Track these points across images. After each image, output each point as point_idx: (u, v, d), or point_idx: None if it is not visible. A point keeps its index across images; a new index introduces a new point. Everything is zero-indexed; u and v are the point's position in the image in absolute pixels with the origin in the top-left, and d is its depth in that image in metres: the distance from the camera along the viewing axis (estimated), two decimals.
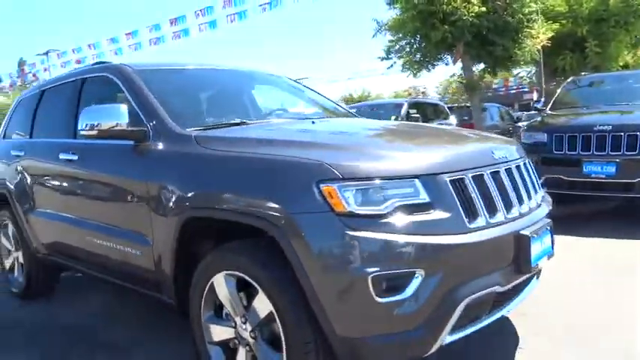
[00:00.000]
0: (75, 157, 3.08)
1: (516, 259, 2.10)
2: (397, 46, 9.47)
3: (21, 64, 27.43)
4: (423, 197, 1.89)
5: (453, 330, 1.92)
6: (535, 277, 2.45)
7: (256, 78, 3.83)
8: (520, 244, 2.10)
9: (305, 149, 2.09)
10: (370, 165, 1.93)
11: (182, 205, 2.29)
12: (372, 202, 1.84)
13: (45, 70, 20.44)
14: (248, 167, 2.11)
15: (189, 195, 2.27)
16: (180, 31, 15.57)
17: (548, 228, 2.34)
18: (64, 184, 3.26)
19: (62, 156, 3.18)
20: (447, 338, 1.91)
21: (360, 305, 1.80)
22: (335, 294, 1.82)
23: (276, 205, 1.91)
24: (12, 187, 3.89)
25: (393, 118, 9.18)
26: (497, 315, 2.15)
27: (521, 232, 2.11)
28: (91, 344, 3.08)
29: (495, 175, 2.17)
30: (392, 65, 9.53)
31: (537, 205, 2.40)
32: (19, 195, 3.79)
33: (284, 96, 3.80)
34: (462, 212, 1.94)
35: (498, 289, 2.02)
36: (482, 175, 2.09)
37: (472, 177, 2.04)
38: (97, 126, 2.58)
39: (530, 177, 2.47)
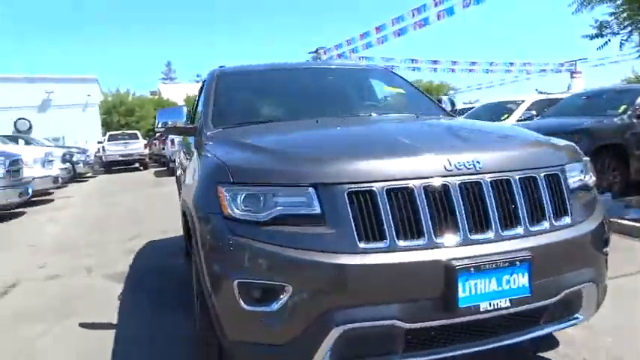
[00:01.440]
0: None
1: (444, 295, 1.73)
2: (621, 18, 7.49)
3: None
4: (314, 208, 1.76)
5: (340, 358, 1.75)
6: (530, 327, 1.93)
7: (355, 75, 3.86)
8: (448, 276, 1.72)
9: (249, 151, 2.16)
10: (264, 170, 1.89)
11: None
12: (254, 208, 1.81)
13: None
14: (196, 165, 2.30)
15: (181, 188, 2.61)
16: (420, 20, 15.76)
17: (521, 263, 1.79)
18: None
19: None
20: None
21: (231, 309, 1.82)
22: (215, 295, 1.89)
23: (191, 203, 2.07)
24: None
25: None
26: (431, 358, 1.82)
27: (452, 262, 1.72)
28: None
29: (435, 188, 1.80)
30: (606, 43, 7.61)
31: (528, 232, 1.88)
32: None
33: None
34: (353, 229, 1.72)
35: (398, 324, 1.71)
36: (408, 187, 1.78)
37: (388, 189, 1.76)
38: (166, 124, 3.16)
39: (533, 195, 1.93)
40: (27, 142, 16.85)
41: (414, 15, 16.09)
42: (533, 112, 9.13)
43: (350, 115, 3.10)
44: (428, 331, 1.78)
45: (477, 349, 1.86)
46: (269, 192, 1.81)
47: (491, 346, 1.88)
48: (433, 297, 1.73)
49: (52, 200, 11.19)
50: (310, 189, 1.77)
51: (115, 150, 20.69)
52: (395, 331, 1.72)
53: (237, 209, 1.82)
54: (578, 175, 2.18)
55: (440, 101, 3.59)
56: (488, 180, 1.86)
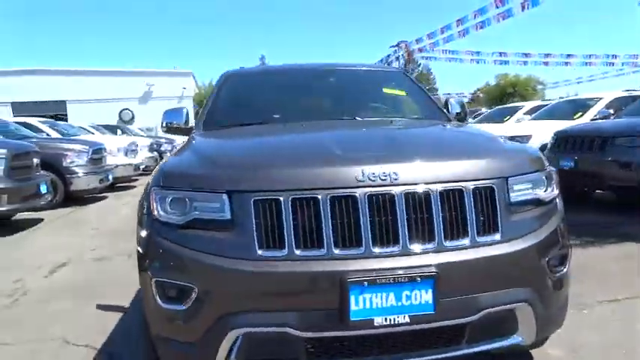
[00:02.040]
0: None
1: (338, 307, 1.73)
2: None
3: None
4: (225, 214, 1.84)
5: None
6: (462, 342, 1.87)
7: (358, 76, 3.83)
8: (341, 289, 1.71)
9: (194, 155, 2.28)
10: (189, 175, 2.00)
11: None
12: (177, 211, 1.92)
13: (396, 59, 23.26)
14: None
15: None
16: (504, 12, 14.91)
17: (423, 279, 1.73)
18: None
19: None
20: None
21: (152, 306, 1.95)
22: (143, 291, 2.04)
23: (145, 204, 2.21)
24: None
25: None
26: None
27: (345, 275, 1.71)
28: None
29: (342, 199, 1.79)
30: None
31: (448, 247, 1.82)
32: None
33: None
34: (254, 237, 1.78)
35: (292, 331, 1.73)
36: (314, 198, 1.79)
37: (294, 199, 1.79)
38: (170, 124, 3.38)
39: (454, 209, 1.85)
40: (123, 132, 18.47)
41: (497, 6, 15.32)
42: (611, 111, 8.40)
43: (335, 118, 3.10)
44: (332, 341, 1.79)
45: None
46: (190, 197, 1.91)
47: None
48: (327, 308, 1.73)
49: (135, 187, 12.18)
50: (224, 196, 1.85)
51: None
52: (292, 338, 1.75)
53: (163, 212, 1.94)
54: (529, 188, 2.04)
55: (447, 104, 3.47)
56: (402, 192, 1.81)
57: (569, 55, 23.77)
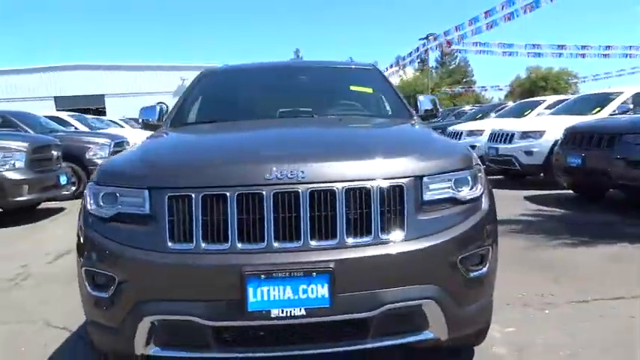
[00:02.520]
0: None
1: (238, 298, 1.82)
2: None
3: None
4: (145, 209, 1.97)
5: (158, 345, 1.95)
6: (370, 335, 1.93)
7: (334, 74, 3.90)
8: (240, 281, 1.81)
9: (134, 153, 2.43)
10: (118, 172, 2.14)
11: None
12: (104, 205, 2.07)
13: (425, 51, 22.92)
14: None
15: None
16: (531, 3, 14.45)
17: (319, 274, 1.81)
18: None
19: None
20: (148, 349, 1.96)
21: (84, 292, 2.11)
22: (78, 278, 2.19)
23: None
24: None
25: None
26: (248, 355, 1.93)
27: (243, 268, 1.81)
28: None
29: (249, 197, 1.89)
30: None
31: (348, 244, 1.88)
32: None
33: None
34: (166, 230, 1.90)
35: (197, 320, 1.84)
36: (222, 195, 1.89)
37: (204, 196, 1.90)
38: (146, 120, 3.54)
39: (358, 207, 1.91)
40: None
41: None
42: (630, 106, 8.11)
43: (292, 116, 3.21)
44: (239, 330, 1.90)
45: (295, 352, 1.93)
46: (118, 192, 2.04)
47: (310, 352, 1.94)
48: (228, 299, 1.83)
49: None
50: (145, 192, 1.97)
51: None
52: (200, 326, 1.87)
53: (95, 205, 2.09)
54: (447, 187, 2.07)
55: (416, 101, 3.50)
56: (308, 190, 1.89)
57: (607, 47, 22.82)
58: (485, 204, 2.19)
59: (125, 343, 1.98)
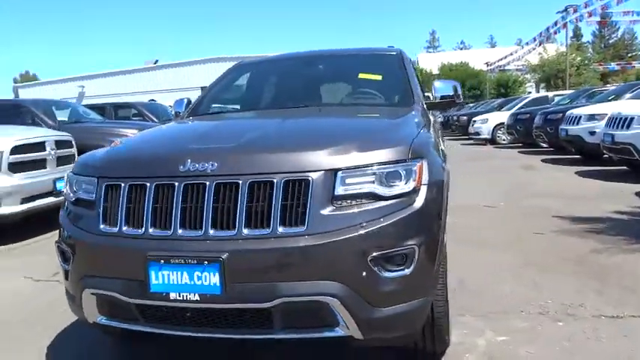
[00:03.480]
0: None
1: (143, 279, 1.98)
2: None
3: None
4: (92, 196, 2.23)
5: (102, 315, 2.20)
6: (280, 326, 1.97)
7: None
8: (144, 264, 1.96)
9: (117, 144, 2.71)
10: (86, 164, 2.42)
11: None
12: (70, 191, 2.39)
13: (564, 25, 20.50)
14: None
15: None
16: None
17: (210, 263, 1.88)
18: None
19: None
20: (97, 318, 2.21)
21: (60, 265, 2.44)
22: None
23: None
24: None
25: None
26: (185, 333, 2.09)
27: (147, 252, 1.96)
28: None
29: (164, 187, 2.02)
30: None
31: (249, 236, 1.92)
32: None
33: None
34: (100, 215, 2.13)
35: (118, 296, 2.04)
36: (143, 185, 2.06)
37: (130, 185, 2.08)
38: (178, 113, 3.87)
39: (260, 200, 1.93)
40: None
41: None
42: None
43: (300, 106, 3.24)
44: (157, 308, 2.06)
45: (208, 335, 2.05)
46: (81, 180, 2.34)
47: (219, 336, 2.04)
48: (137, 280, 1.99)
49: None
50: (95, 180, 2.23)
51: None
52: (123, 302, 2.07)
53: (69, 192, 2.41)
54: (367, 181, 1.98)
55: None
56: (213, 183, 1.96)
57: None
58: (419, 201, 2.04)
59: (79, 311, 2.28)
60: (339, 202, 1.96)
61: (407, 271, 1.99)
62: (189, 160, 2.03)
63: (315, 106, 3.22)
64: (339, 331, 1.96)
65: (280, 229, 1.91)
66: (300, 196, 1.93)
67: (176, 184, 2.01)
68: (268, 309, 1.92)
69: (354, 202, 1.97)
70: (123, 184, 2.10)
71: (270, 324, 1.97)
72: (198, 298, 1.92)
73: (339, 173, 1.97)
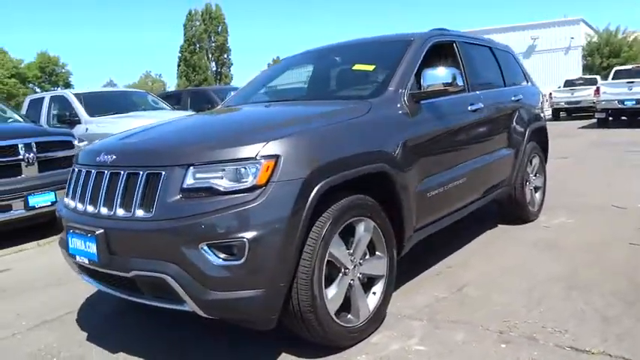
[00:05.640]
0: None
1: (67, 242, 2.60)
2: None
3: None
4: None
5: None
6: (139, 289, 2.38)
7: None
8: (66, 231, 2.59)
9: None
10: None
11: None
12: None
13: None
14: None
15: None
16: None
17: (91, 236, 2.37)
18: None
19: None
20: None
21: None
22: None
23: None
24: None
25: None
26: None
27: (67, 222, 2.58)
28: None
29: (89, 174, 2.58)
30: None
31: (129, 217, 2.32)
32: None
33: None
34: (70, 190, 2.78)
35: (66, 256, 2.70)
36: (80, 171, 2.67)
37: (78, 170, 2.72)
38: None
39: (130, 188, 2.34)
40: None
41: None
42: None
43: (305, 99, 3.54)
44: (80, 265, 2.61)
45: (110, 291, 2.58)
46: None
47: (118, 294, 2.55)
48: (66, 242, 2.62)
49: None
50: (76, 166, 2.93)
51: (561, 97, 20.10)
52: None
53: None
54: (211, 176, 2.20)
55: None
56: (109, 172, 2.45)
57: None
58: (260, 198, 2.15)
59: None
60: (187, 194, 2.22)
61: (238, 262, 2.14)
62: (102, 153, 2.56)
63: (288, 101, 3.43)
64: (187, 306, 2.25)
65: (137, 214, 2.29)
66: (154, 186, 2.27)
67: (92, 171, 2.57)
68: (131, 278, 2.33)
69: (198, 195, 2.21)
70: (75, 169, 2.76)
71: (140, 291, 2.39)
72: (87, 262, 2.46)
73: (191, 168, 2.23)
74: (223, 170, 2.20)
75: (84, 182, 2.62)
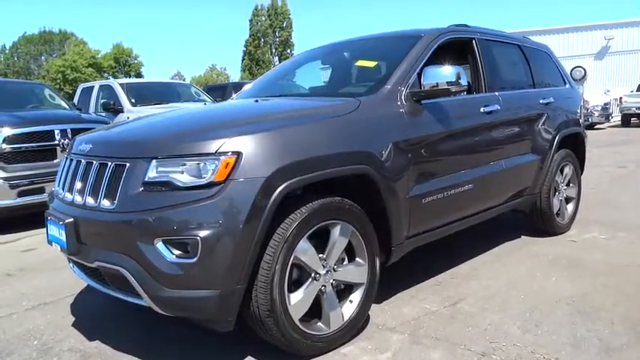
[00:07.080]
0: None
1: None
2: None
3: None
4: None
5: None
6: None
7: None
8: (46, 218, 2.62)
9: None
10: None
11: None
12: None
13: None
14: None
15: None
16: None
17: (61, 224, 2.38)
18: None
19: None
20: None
21: None
22: None
23: None
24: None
25: None
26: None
27: (47, 210, 2.60)
28: None
29: (71, 162, 2.61)
30: None
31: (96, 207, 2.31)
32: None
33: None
34: (59, 177, 2.83)
35: None
36: (69, 159, 2.68)
37: (65, 159, 2.76)
38: None
39: (102, 179, 2.31)
40: None
41: None
42: None
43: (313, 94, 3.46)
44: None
45: (89, 282, 2.59)
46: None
47: (89, 282, 2.57)
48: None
49: None
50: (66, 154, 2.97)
51: (633, 102, 18.73)
52: None
53: None
54: (171, 171, 2.15)
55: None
56: (85, 162, 2.46)
57: None
58: (217, 195, 2.08)
59: None
60: (148, 187, 2.19)
61: (191, 260, 2.09)
62: (83, 142, 2.58)
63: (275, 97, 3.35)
64: (144, 302, 2.23)
65: (103, 204, 2.29)
66: (119, 178, 2.25)
67: (73, 159, 2.60)
68: (95, 268, 2.34)
69: (158, 189, 2.17)
70: (68, 158, 2.80)
71: (105, 281, 2.39)
72: (60, 249, 2.49)
73: (154, 161, 2.19)
74: (184, 165, 2.15)
75: (66, 170, 2.65)
